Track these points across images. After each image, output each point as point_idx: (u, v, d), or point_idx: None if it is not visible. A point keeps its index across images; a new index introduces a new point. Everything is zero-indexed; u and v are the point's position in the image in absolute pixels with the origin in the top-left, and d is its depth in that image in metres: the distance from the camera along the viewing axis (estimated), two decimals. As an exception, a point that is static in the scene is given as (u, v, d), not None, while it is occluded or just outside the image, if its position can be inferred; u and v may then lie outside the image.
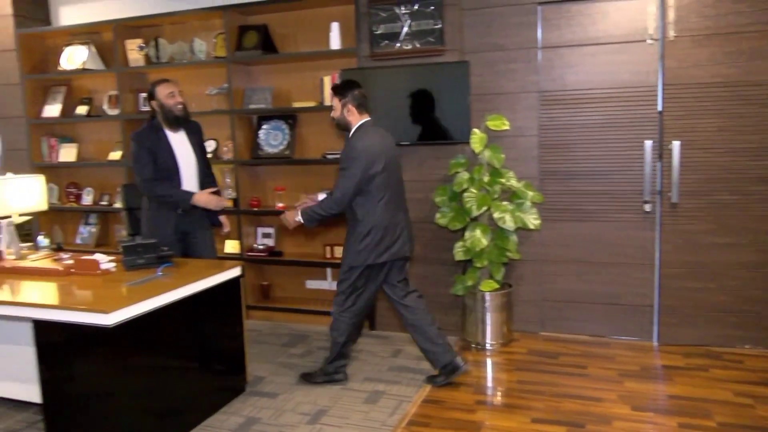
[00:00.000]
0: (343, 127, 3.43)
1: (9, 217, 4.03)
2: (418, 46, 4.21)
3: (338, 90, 3.39)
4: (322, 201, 3.38)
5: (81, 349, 2.68)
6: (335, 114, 3.42)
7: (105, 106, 5.40)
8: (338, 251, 4.73)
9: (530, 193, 4.06)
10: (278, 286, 5.12)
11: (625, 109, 4.06)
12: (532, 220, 4.02)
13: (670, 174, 3.99)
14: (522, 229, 4.11)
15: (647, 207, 4.05)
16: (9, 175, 4.26)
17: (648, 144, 4.01)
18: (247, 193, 4.93)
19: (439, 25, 4.14)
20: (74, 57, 5.35)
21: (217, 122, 5.04)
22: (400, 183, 3.47)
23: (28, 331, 3.07)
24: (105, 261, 3.35)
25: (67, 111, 5.54)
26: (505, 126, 4.08)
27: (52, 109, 5.53)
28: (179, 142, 3.76)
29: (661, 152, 4.01)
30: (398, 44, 4.25)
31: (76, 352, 2.70)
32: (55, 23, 5.69)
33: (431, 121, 4.16)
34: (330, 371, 3.60)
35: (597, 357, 3.92)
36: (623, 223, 4.15)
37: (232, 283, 3.40)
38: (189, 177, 3.78)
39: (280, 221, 3.67)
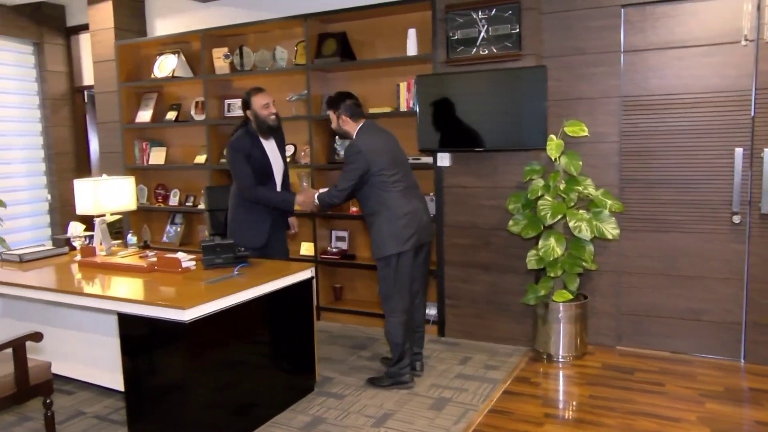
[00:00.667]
0: (342, 135, 3.73)
1: (103, 215, 4.31)
2: (495, 51, 4.16)
3: (331, 103, 3.64)
4: (330, 190, 3.61)
5: (160, 342, 2.83)
6: (333, 125, 3.69)
7: (192, 112, 5.67)
8: (410, 256, 4.73)
9: (609, 202, 3.92)
10: (350, 289, 5.20)
11: (714, 115, 3.85)
12: (611, 230, 3.88)
13: (761, 183, 3.74)
14: (599, 239, 3.97)
15: (736, 218, 3.82)
16: (104, 176, 4.55)
17: (738, 152, 3.78)
18: (323, 196, 5.03)
19: (517, 30, 4.08)
20: (165, 65, 5.66)
21: (295, 128, 5.18)
22: (410, 174, 3.69)
23: (114, 323, 3.27)
24: (186, 259, 3.52)
25: (158, 116, 5.87)
26: (584, 132, 3.96)
27: (144, 115, 5.87)
28: (271, 148, 3.88)
29: (752, 160, 3.77)
30: (475, 49, 4.22)
31: (156, 345, 2.85)
32: (150, 34, 6.04)
33: (505, 127, 4.10)
34: (395, 373, 3.62)
35: (676, 375, 3.73)
36: (709, 234, 3.93)
37: (304, 285, 3.48)
38: (279, 181, 3.94)
39: (309, 209, 3.78)
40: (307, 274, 3.50)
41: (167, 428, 2.85)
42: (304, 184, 4.93)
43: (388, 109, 4.73)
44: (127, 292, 3.05)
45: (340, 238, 5.14)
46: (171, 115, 5.76)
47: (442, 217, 4.47)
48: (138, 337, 2.89)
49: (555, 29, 4.16)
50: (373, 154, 3.48)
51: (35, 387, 2.74)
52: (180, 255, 3.56)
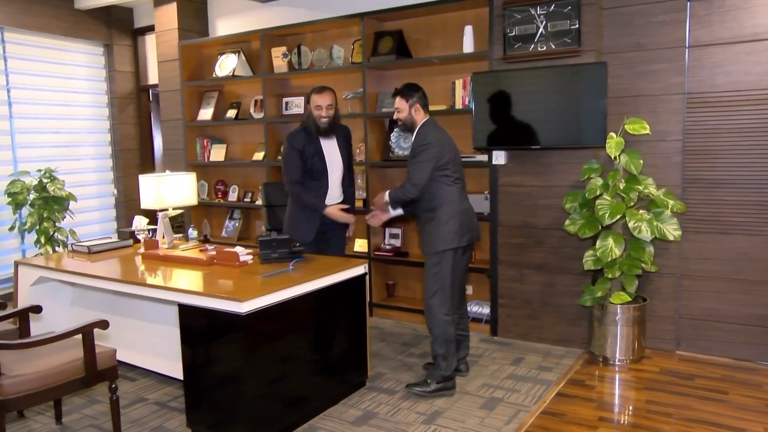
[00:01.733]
0: (408, 126, 3.65)
1: (165, 210, 4.47)
2: (553, 47, 4.09)
3: (405, 92, 3.63)
4: (402, 186, 3.53)
5: (217, 333, 2.92)
6: (402, 115, 3.62)
7: (251, 110, 5.81)
8: (463, 255, 4.71)
9: (670, 202, 3.80)
10: (403, 286, 5.22)
11: (786, 113, 3.67)
12: (672, 231, 3.76)
13: (838, 185, 3.55)
14: (659, 240, 3.85)
15: (809, 221, 3.64)
16: (167, 172, 4.72)
17: (812, 151, 3.60)
18: (375, 193, 5.04)
19: (576, 26, 4.00)
20: (226, 64, 5.82)
21: (351, 125, 5.12)
22: (463, 173, 3.68)
23: (175, 314, 3.39)
24: (243, 254, 3.61)
25: (218, 114, 6.04)
26: (645, 130, 3.85)
27: (206, 113, 6.05)
28: (329, 145, 3.92)
29: (828, 161, 3.58)
30: (532, 46, 4.16)
31: (214, 336, 2.94)
32: (212, 34, 6.21)
33: (563, 125, 4.03)
34: (443, 377, 3.51)
35: (740, 383, 3.58)
36: (779, 238, 3.75)
37: (358, 281, 3.52)
38: (335, 180, 3.97)
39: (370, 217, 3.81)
40: (360, 270, 3.53)
41: (222, 417, 2.94)
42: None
43: (443, 107, 4.71)
44: (187, 283, 3.16)
45: (393, 236, 5.16)
46: (231, 114, 5.91)
47: (496, 215, 4.43)
48: (197, 327, 2.99)
49: (616, 25, 4.06)
50: (442, 148, 3.49)
51: (102, 372, 2.88)
52: (238, 249, 3.66)
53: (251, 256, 3.62)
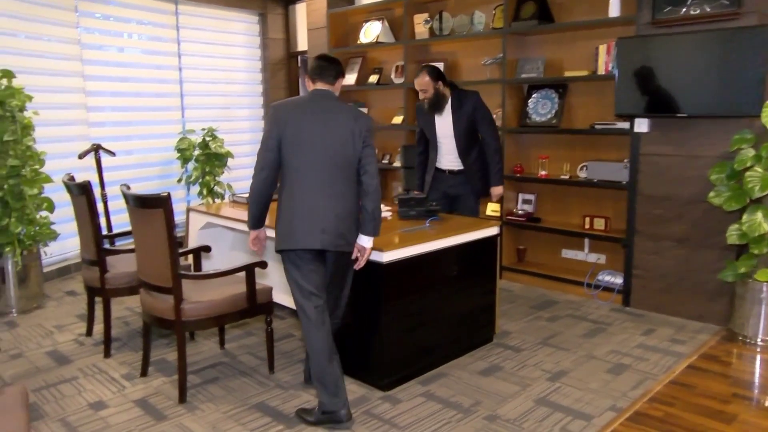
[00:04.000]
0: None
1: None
2: (708, 10, 3.90)
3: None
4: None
5: (360, 280, 3.20)
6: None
7: (392, 76, 6.05)
8: (598, 223, 4.70)
9: (832, 177, 3.54)
10: (534, 252, 5.28)
11: None
12: (832, 208, 3.52)
13: None
14: (817, 218, 3.62)
15: None
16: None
17: None
18: (512, 159, 5.14)
19: (736, -14, 3.78)
20: (370, 31, 6.08)
21: (489, 91, 5.29)
22: None
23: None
24: (384, 210, 3.88)
25: (361, 80, 6.35)
26: (808, 99, 3.60)
27: (350, 78, 6.39)
28: (442, 119, 4.19)
29: None
30: (684, 9, 3.99)
31: (356, 281, 3.22)
32: (358, 2, 6.50)
33: (713, 92, 3.85)
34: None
35: None
36: None
37: (490, 241, 3.68)
38: (448, 150, 4.25)
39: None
40: (493, 230, 3.68)
41: (363, 356, 3.25)
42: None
43: (584, 73, 4.66)
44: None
45: (526, 201, 5.22)
46: (373, 79, 6.20)
47: (635, 185, 4.36)
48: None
49: (783, -16, 3.78)
50: None
51: (260, 305, 3.30)
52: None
53: (390, 213, 3.89)
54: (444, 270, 3.43)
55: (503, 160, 4.41)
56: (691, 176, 4.10)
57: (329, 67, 2.86)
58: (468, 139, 4.19)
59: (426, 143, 4.38)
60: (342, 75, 2.91)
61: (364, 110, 6.44)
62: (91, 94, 5.64)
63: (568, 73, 4.76)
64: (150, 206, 2.98)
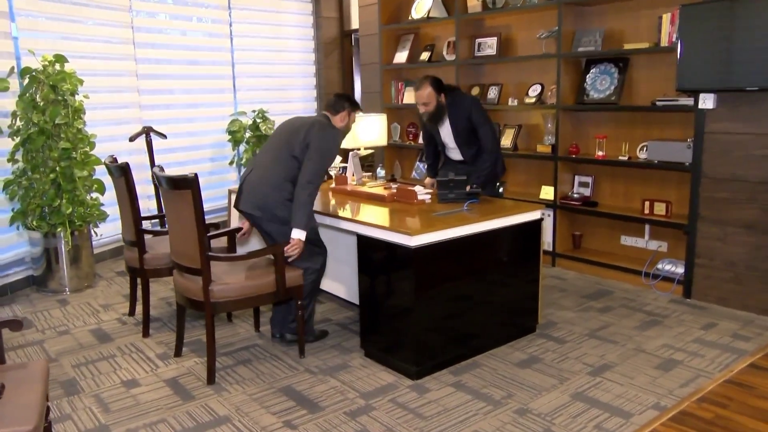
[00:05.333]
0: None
1: (357, 149, 4.84)
2: (786, -29, 3.58)
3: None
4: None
5: (389, 265, 3.18)
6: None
7: (444, 52, 5.93)
8: (658, 208, 4.46)
9: None
10: (590, 238, 5.08)
11: None
12: None
13: None
14: None
15: None
16: (359, 114, 5.07)
17: None
18: (567, 139, 4.95)
19: (819, -57, 3.44)
20: (422, 7, 5.97)
21: (544, 66, 5.13)
22: None
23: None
24: (422, 192, 3.81)
25: (413, 57, 6.26)
26: None
27: (401, 56, 6.31)
28: (443, 129, 4.17)
29: None
30: (759, -29, 3.67)
31: (386, 267, 3.20)
32: (410, -24, 6.40)
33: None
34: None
35: None
36: None
37: (533, 225, 3.55)
38: (451, 151, 4.27)
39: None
40: (536, 215, 3.56)
41: (393, 343, 3.23)
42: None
43: (646, 45, 4.39)
44: (366, 216, 3.45)
45: (583, 184, 5.01)
46: (425, 56, 6.09)
47: (699, 166, 4.08)
48: (372, 258, 3.27)
49: None
50: None
51: (290, 289, 3.32)
52: (417, 188, 3.87)
53: (429, 196, 3.81)
54: (482, 256, 3.35)
55: (497, 168, 4.10)
56: (761, 156, 3.80)
57: (336, 101, 3.58)
58: (471, 144, 4.13)
59: (435, 144, 4.42)
60: (344, 110, 3.54)
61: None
62: (143, 78, 5.82)
63: (628, 46, 4.51)
64: (179, 187, 3.04)
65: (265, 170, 3.40)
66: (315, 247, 3.49)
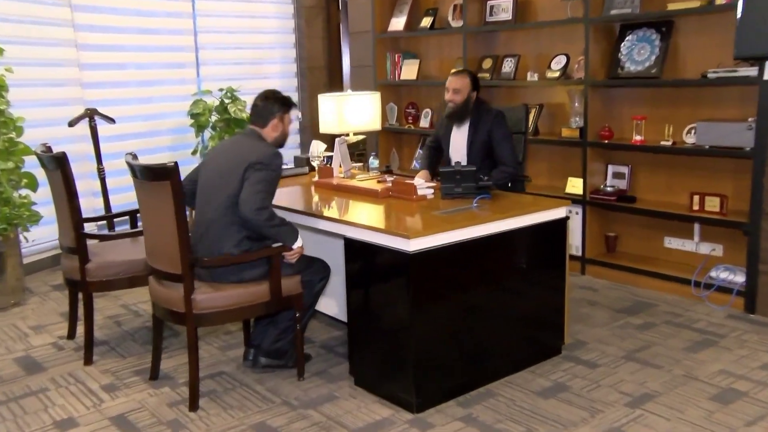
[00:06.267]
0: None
1: (344, 135, 4.78)
2: None
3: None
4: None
5: (383, 274, 3.12)
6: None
7: (449, 18, 5.87)
8: (710, 203, 4.41)
9: None
10: (627, 239, 5.05)
11: None
12: None
13: None
14: None
15: None
16: (348, 92, 5.02)
17: None
18: (598, 120, 4.91)
19: None
20: (422, -37, 5.92)
21: (569, 34, 5.09)
22: None
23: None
24: (423, 186, 3.75)
25: (412, 24, 6.22)
26: None
27: (398, 23, 6.27)
28: (458, 134, 4.33)
29: None
30: None
31: (379, 276, 3.15)
32: (408, -74, 6.34)
33: None
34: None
35: None
36: None
37: (557, 225, 3.50)
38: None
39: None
40: (561, 212, 3.51)
41: (389, 369, 3.16)
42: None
43: (696, 4, 4.34)
44: (355, 215, 3.39)
45: (617, 175, 4.97)
46: (426, 22, 6.04)
47: (764, 152, 4.02)
48: (362, 266, 3.21)
49: None
50: None
51: (287, 299, 3.30)
52: (417, 181, 3.80)
53: (432, 191, 3.75)
54: (496, 263, 3.30)
55: (510, 181, 4.21)
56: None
57: (263, 109, 3.44)
58: (484, 163, 4.16)
59: (440, 151, 4.54)
60: (274, 117, 3.41)
61: (416, 62, 6.27)
62: (85, 49, 5.73)
63: (672, 6, 4.47)
64: (156, 178, 3.07)
65: (213, 225, 3.29)
66: (312, 263, 3.52)
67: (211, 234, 3.27)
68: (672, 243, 4.80)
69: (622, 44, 4.77)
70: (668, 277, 4.57)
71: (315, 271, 3.50)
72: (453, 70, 4.39)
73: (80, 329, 4.05)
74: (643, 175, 4.89)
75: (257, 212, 3.13)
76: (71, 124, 5.19)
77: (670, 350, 3.68)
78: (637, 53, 4.68)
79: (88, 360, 3.72)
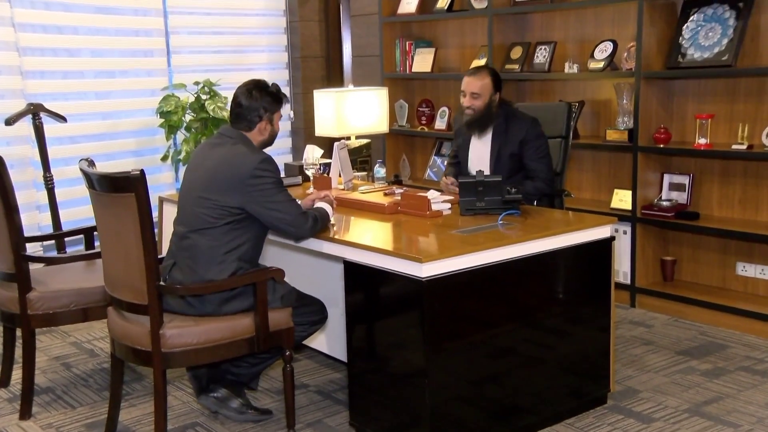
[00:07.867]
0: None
1: (344, 139, 4.83)
2: None
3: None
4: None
5: (390, 303, 3.17)
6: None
7: (472, -1, 5.95)
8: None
9: None
10: (688, 265, 5.08)
11: None
12: None
13: None
14: None
15: None
16: (350, 87, 5.08)
17: None
18: (652, 120, 4.95)
19: None
20: (440, -69, 6.00)
21: (618, 14, 5.15)
22: None
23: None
24: (438, 200, 3.80)
25: (426, 5, 6.29)
26: None
27: (409, 4, 6.32)
28: (480, 144, 4.43)
29: None
30: None
31: (386, 307, 3.19)
32: None
33: None
34: None
35: None
36: None
37: (600, 247, 3.54)
38: None
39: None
40: (605, 231, 3.55)
41: (399, 420, 3.20)
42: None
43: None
44: (357, 235, 3.44)
45: (676, 186, 5.00)
46: (443, 3, 6.10)
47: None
48: (365, 294, 3.27)
49: None
50: None
51: (275, 334, 3.30)
52: (431, 194, 3.85)
53: (449, 205, 3.80)
54: (526, 293, 3.34)
55: (541, 196, 4.32)
56: None
57: (248, 109, 3.41)
58: (510, 178, 4.20)
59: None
60: (261, 120, 3.41)
61: (431, 51, 6.34)
62: (25, 30, 5.72)
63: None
64: (118, 189, 3.10)
65: (194, 248, 3.32)
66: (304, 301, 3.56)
67: (193, 258, 3.28)
68: (747, 270, 4.82)
69: (685, 26, 4.81)
70: (743, 312, 4.57)
71: (307, 312, 3.51)
72: (470, 68, 4.37)
73: (17, 374, 4.06)
74: (708, 186, 4.92)
75: (303, 227, 3.32)
76: (9, 122, 5.23)
77: (749, 404, 3.67)
78: (704, 36, 4.71)
79: (25, 413, 3.71)
